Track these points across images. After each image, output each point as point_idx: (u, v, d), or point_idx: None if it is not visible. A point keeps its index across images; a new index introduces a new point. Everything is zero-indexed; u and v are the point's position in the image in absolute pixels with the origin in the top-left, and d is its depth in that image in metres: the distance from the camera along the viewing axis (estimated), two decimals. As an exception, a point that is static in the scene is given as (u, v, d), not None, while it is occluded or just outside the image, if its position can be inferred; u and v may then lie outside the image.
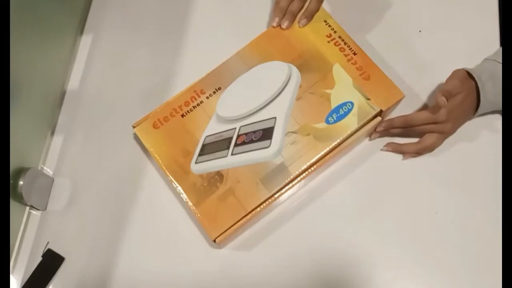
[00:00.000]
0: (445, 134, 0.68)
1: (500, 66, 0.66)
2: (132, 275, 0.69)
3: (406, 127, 0.68)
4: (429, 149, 0.68)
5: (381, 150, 0.71)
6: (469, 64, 0.70)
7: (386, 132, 0.71)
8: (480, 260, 0.65)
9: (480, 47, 0.75)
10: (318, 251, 0.67)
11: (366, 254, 0.67)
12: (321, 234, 0.68)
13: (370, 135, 0.72)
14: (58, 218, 0.73)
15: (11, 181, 0.66)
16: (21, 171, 0.68)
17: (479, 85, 0.65)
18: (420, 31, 0.79)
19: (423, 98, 0.74)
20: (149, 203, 0.72)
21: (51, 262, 0.70)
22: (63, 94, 0.80)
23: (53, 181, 0.75)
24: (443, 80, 0.70)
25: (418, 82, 0.75)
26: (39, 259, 0.70)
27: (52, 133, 0.78)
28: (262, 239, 0.69)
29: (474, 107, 0.67)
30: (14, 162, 0.67)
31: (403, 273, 0.66)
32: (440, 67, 0.75)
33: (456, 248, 0.66)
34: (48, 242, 0.71)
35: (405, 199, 0.69)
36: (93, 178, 0.74)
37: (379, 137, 0.72)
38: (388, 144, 0.71)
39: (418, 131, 0.68)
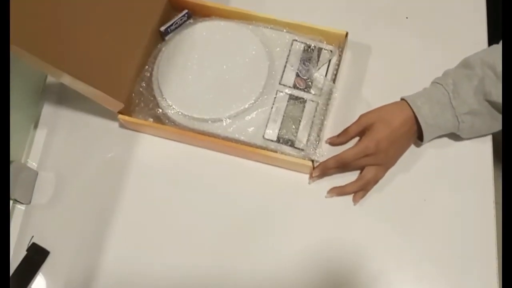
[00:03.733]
0: (383, 165, 0.67)
1: (439, 86, 0.65)
2: (118, 268, 0.68)
3: (340, 166, 0.67)
4: (372, 182, 0.67)
5: (326, 197, 0.68)
6: (458, 51, 0.69)
7: (323, 175, 0.69)
8: (471, 249, 0.65)
9: (467, 32, 0.75)
10: (309, 243, 0.67)
11: (355, 244, 0.66)
12: (312, 226, 0.68)
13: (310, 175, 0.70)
14: (43, 211, 0.71)
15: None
16: (4, 165, 0.67)
17: (415, 110, 0.64)
18: (407, 17, 0.79)
19: (414, 85, 0.72)
20: (136, 195, 0.71)
21: (36, 256, 0.68)
22: (45, 85, 0.79)
23: (37, 174, 0.73)
24: (430, 66, 0.70)
25: (406, 71, 0.75)
26: (24, 253, 0.68)
27: (36, 126, 0.76)
28: (254, 235, 0.68)
29: (414, 133, 0.67)
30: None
31: (392, 263, 0.65)
32: (428, 54, 0.75)
33: (446, 237, 0.66)
34: (32, 236, 0.70)
35: (394, 189, 0.68)
36: (79, 171, 0.73)
37: (317, 180, 0.70)
38: (330, 191, 0.68)
39: (354, 166, 0.67)
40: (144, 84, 0.72)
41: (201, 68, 0.72)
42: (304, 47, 0.73)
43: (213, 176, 0.71)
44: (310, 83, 0.71)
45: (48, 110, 0.77)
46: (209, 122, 0.69)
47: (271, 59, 0.72)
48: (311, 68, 0.71)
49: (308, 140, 0.68)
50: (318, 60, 0.72)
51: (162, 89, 0.71)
